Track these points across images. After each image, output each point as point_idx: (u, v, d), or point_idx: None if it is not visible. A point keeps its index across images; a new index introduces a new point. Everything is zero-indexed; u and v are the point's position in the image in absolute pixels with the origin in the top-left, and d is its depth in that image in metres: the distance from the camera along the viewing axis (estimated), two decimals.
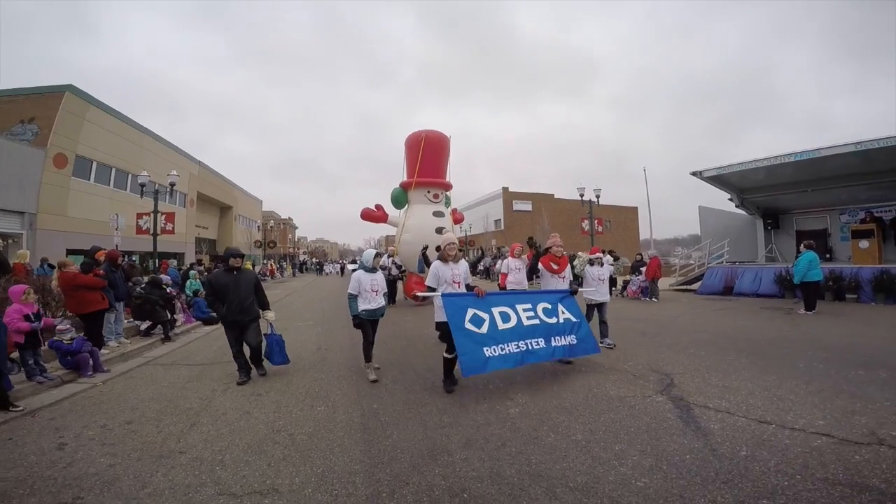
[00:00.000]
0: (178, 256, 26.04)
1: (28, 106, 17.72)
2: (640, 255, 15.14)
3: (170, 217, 15.34)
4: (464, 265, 4.79)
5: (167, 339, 7.64)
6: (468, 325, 4.31)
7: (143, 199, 15.49)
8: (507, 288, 6.89)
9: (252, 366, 5.20)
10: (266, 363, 5.32)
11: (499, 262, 7.31)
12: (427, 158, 12.57)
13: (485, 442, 3.14)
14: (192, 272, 12.22)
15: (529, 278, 6.44)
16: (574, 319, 5.08)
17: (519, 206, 40.23)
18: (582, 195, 21.02)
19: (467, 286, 4.72)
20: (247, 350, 5.20)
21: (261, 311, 5.29)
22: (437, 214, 12.65)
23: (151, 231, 14.23)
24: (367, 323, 5.10)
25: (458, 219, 15.04)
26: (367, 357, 5.15)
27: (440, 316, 4.48)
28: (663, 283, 16.66)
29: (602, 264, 6.48)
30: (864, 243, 12.89)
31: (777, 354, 5.46)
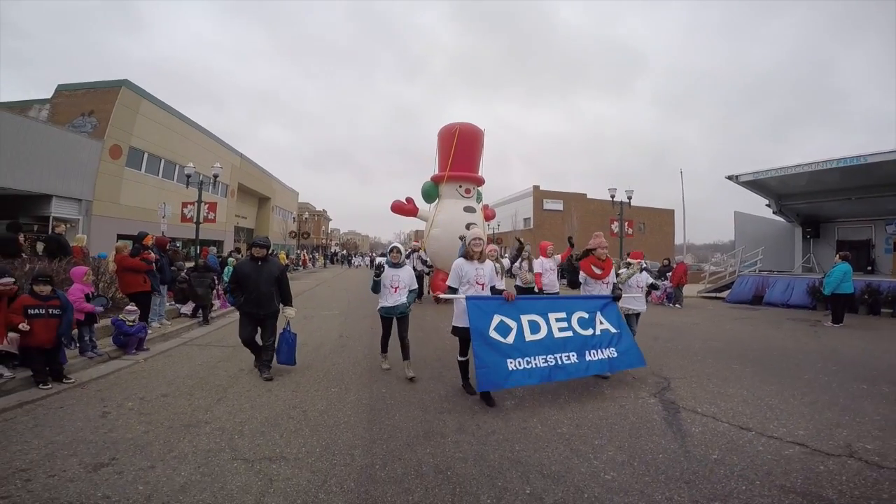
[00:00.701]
0: (218, 244, 27.33)
1: (88, 100, 19.02)
2: (668, 260, 14.98)
3: (212, 207, 16.27)
4: (489, 266, 4.35)
5: (205, 321, 8.28)
6: (493, 334, 3.97)
7: (189, 189, 16.40)
8: (542, 290, 6.72)
9: (256, 366, 5.03)
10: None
11: (518, 261, 7.00)
12: (460, 152, 12.38)
13: (476, 428, 3.44)
14: (230, 259, 12.95)
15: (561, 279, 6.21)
16: (613, 330, 4.58)
17: (550, 205, 39.97)
18: (613, 196, 20.74)
19: (493, 289, 4.32)
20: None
21: (282, 307, 5.08)
22: (468, 210, 12.39)
23: (195, 220, 15.14)
24: (385, 319, 5.01)
25: (489, 215, 14.69)
26: (383, 347, 5.20)
27: (461, 320, 4.09)
28: (692, 289, 16.39)
29: (641, 270, 5.97)
30: None
31: (785, 365, 5.49)
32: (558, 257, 7.12)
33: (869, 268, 15.19)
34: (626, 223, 20.76)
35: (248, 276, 4.84)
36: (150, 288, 6.75)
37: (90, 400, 4.10)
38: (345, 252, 55.12)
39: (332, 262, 46.19)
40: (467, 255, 4.28)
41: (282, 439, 3.21)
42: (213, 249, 23.23)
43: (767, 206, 17.27)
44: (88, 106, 18.98)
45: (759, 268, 16.45)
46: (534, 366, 4.01)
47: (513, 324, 4.12)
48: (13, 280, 4.28)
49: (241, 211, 34.49)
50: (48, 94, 19.78)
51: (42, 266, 6.06)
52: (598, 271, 5.01)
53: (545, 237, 28.29)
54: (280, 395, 4.23)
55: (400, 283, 4.92)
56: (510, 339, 4.03)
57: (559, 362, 4.14)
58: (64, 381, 4.51)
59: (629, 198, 21.09)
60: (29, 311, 4.18)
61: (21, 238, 6.52)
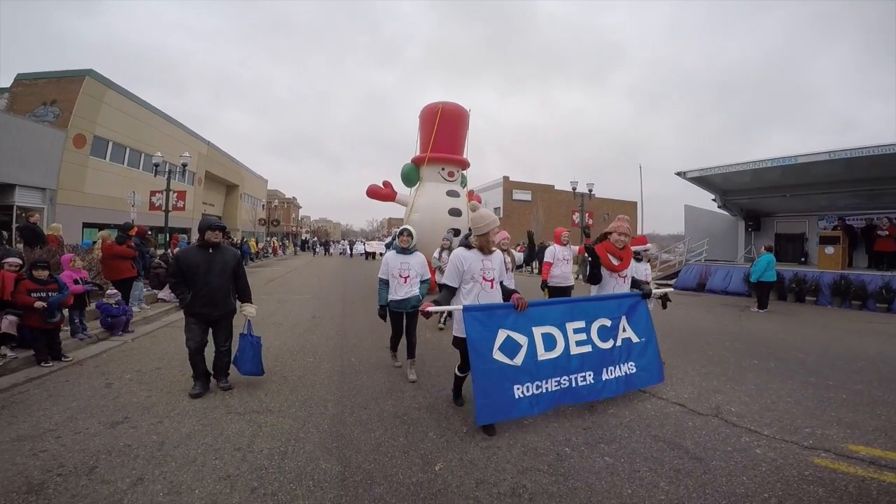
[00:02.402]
0: (186, 231, 27.10)
1: (50, 89, 18.60)
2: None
3: (181, 195, 16.39)
4: (499, 256, 3.51)
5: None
6: (497, 355, 3.19)
7: (156, 178, 16.42)
8: (550, 284, 6.19)
9: (212, 374, 4.19)
10: (232, 370, 4.28)
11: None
12: (443, 132, 11.56)
13: (430, 386, 4.20)
14: None
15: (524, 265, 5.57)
16: (636, 339, 3.93)
17: (519, 195, 40.99)
18: (574, 188, 21.77)
19: (504, 289, 3.53)
20: (209, 354, 4.17)
21: (239, 305, 4.27)
22: (452, 194, 11.50)
23: (164, 208, 15.26)
24: (395, 314, 4.52)
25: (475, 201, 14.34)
26: (394, 345, 4.80)
27: (460, 329, 3.33)
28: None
29: (640, 259, 5.38)
30: (829, 249, 13.69)
31: (698, 343, 6.36)
32: (575, 248, 6.50)
33: (802, 259, 16.59)
34: (587, 214, 21.86)
35: (197, 267, 3.94)
36: (136, 273, 7.17)
37: (91, 374, 4.61)
38: (316, 239, 54.88)
39: (302, 250, 46.06)
40: (482, 245, 3.39)
41: (266, 397, 3.87)
42: (184, 237, 23.17)
43: (713, 200, 18.62)
44: (50, 95, 18.58)
45: (705, 257, 17.78)
46: (543, 390, 3.32)
47: (523, 339, 3.32)
48: (21, 262, 4.72)
49: (208, 199, 34.01)
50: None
51: (39, 253, 6.40)
52: (614, 262, 4.13)
53: (513, 227, 29.32)
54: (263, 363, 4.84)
55: (411, 272, 4.43)
56: (518, 359, 3.27)
57: (573, 384, 3.48)
58: (62, 359, 4.97)
59: (590, 190, 22.23)
60: (31, 294, 4.62)
61: None
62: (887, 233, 12.84)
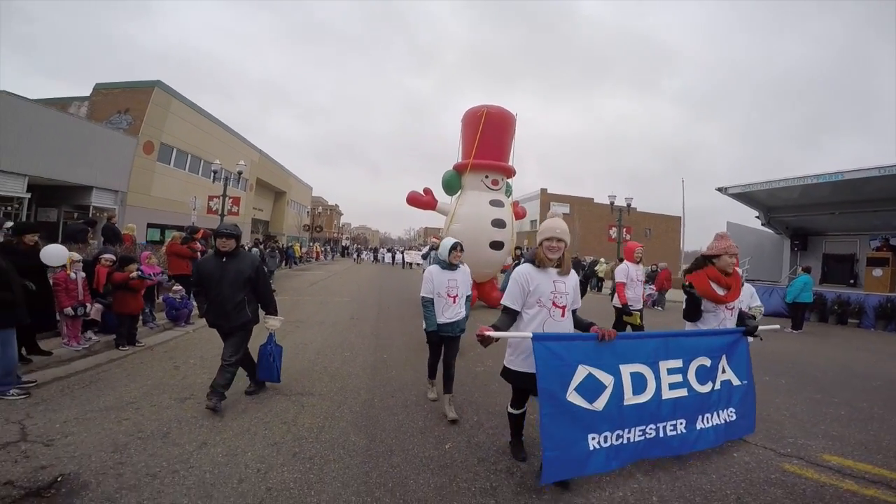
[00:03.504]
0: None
1: (123, 98, 20.54)
2: (656, 265, 15.99)
3: (236, 201, 17.66)
4: (574, 278, 2.90)
5: None
6: (573, 397, 2.61)
7: (214, 184, 17.79)
8: (627, 306, 5.50)
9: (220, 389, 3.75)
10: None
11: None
12: (487, 137, 10.80)
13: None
14: (254, 249, 14.30)
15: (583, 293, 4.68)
16: (737, 382, 3.30)
17: (557, 208, 40.87)
18: (612, 202, 21.64)
19: (577, 319, 2.91)
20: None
21: (263, 315, 4.11)
22: (495, 204, 10.73)
23: (220, 212, 16.54)
24: (437, 337, 3.94)
25: (519, 213, 12.66)
26: (433, 371, 4.20)
27: (519, 361, 2.79)
28: (680, 294, 17.36)
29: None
30: (877, 271, 13.16)
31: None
32: (641, 268, 5.84)
33: (851, 281, 15.84)
34: (625, 229, 21.67)
35: (210, 275, 3.79)
36: (190, 272, 8.05)
37: (161, 358, 5.37)
38: (357, 246, 56.70)
39: (342, 256, 47.71)
40: (541, 258, 2.79)
41: (309, 383, 4.49)
42: None
43: (757, 217, 18.11)
44: (124, 104, 20.47)
45: (747, 277, 17.30)
46: (625, 441, 2.74)
47: (608, 379, 2.71)
48: (115, 259, 5.63)
49: (258, 204, 35.99)
50: (56, 80, 21.42)
51: (126, 249, 7.40)
52: (720, 292, 3.33)
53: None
54: (306, 356, 5.51)
55: (459, 290, 3.97)
56: (600, 402, 2.67)
57: (661, 433, 2.88)
58: (136, 345, 5.79)
59: (629, 204, 22.05)
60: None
61: (90, 230, 7.83)
62: None
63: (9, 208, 13.85)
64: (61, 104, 20.21)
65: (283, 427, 3.43)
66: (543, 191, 41.40)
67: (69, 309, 5.07)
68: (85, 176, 16.78)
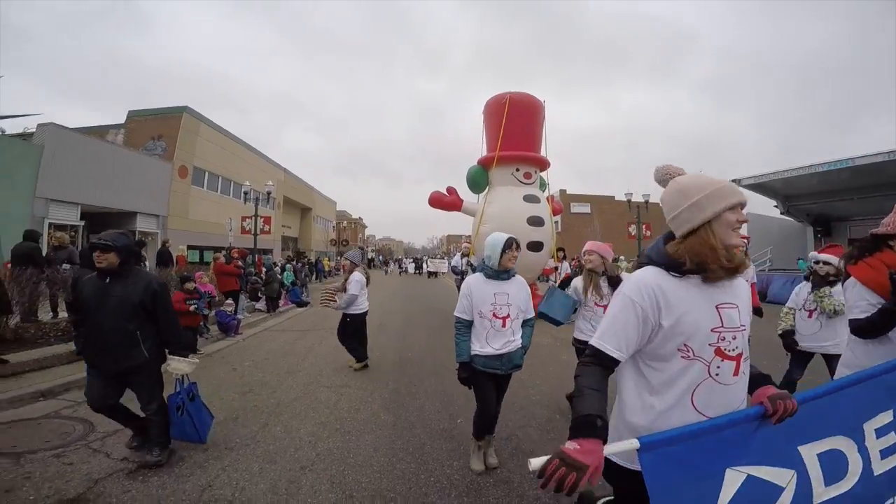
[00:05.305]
0: (268, 252, 30.31)
1: (156, 125, 21.86)
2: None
3: (267, 220, 18.82)
4: (745, 289, 1.43)
5: (274, 310, 10.67)
6: None
7: (245, 205, 18.96)
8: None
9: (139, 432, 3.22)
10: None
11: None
12: (514, 126, 9.57)
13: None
14: (287, 266, 15.36)
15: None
16: None
17: (577, 208, 40.97)
18: (629, 199, 21.80)
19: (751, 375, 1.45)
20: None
21: (168, 356, 3.13)
22: (530, 199, 9.48)
23: (252, 232, 17.69)
24: (484, 378, 2.87)
25: (557, 209, 11.41)
26: (480, 429, 3.00)
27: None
28: None
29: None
30: None
31: None
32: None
33: None
34: (644, 226, 21.76)
35: (87, 301, 2.96)
36: (238, 287, 9.04)
37: (220, 363, 6.26)
38: (382, 257, 58.01)
39: (368, 268, 49.01)
40: (733, 266, 1.32)
41: (346, 377, 5.30)
42: (268, 257, 26.12)
43: (775, 206, 18.14)
44: (157, 130, 21.75)
45: (769, 266, 17.33)
46: None
47: (784, 476, 1.38)
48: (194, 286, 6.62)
49: (286, 221, 37.49)
50: (71, 106, 22.79)
51: (183, 270, 8.43)
52: None
53: (571, 242, 28.87)
54: (341, 356, 6.21)
55: (512, 308, 2.84)
56: None
57: None
58: (197, 352, 6.70)
59: (646, 201, 22.18)
60: (186, 301, 6.41)
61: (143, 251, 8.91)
62: None
63: (69, 236, 15.21)
64: (99, 133, 21.20)
65: (326, 410, 4.21)
66: (563, 191, 41.55)
67: None
68: (130, 202, 17.99)
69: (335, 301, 5.47)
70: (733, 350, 1.33)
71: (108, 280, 2.94)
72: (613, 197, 42.20)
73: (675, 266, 1.33)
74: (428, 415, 4.08)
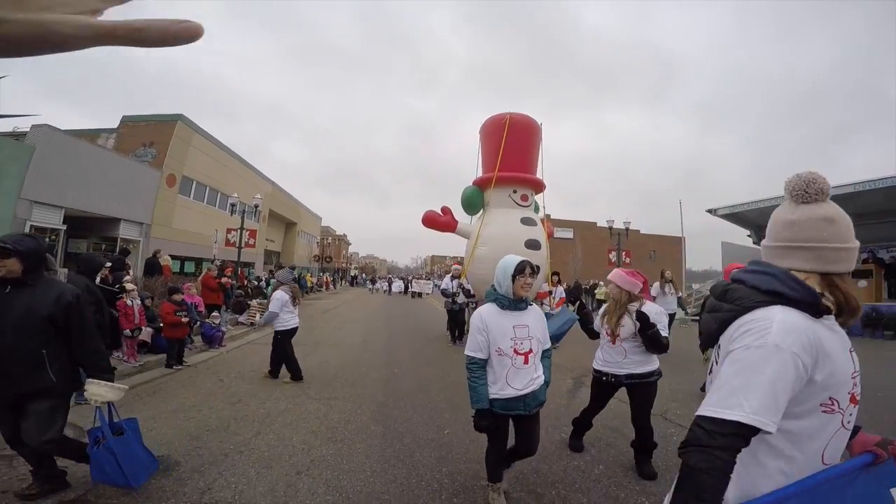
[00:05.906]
0: (250, 266, 30.01)
1: (148, 131, 21.62)
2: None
3: (252, 233, 18.77)
4: (843, 340, 1.15)
5: (252, 325, 10.64)
6: None
7: (232, 217, 18.87)
8: None
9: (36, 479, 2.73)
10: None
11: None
12: (512, 147, 9.59)
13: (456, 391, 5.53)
14: (272, 281, 15.34)
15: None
16: None
17: (560, 233, 41.61)
18: (611, 227, 22.40)
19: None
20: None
21: (86, 380, 2.62)
22: (527, 222, 9.46)
23: (237, 244, 17.62)
24: (501, 421, 2.59)
25: (550, 232, 11.46)
26: (497, 474, 2.78)
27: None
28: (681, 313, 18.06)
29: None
30: (862, 283, 13.95)
31: (677, 364, 7.00)
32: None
33: None
34: (624, 252, 22.29)
35: None
36: (221, 301, 9.07)
37: (206, 374, 6.30)
38: (367, 276, 57.96)
39: (351, 286, 48.92)
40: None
41: (333, 390, 5.40)
42: (253, 272, 25.92)
43: (749, 237, 18.91)
44: (149, 137, 21.51)
45: None
46: None
47: None
48: (182, 298, 6.64)
49: (269, 235, 37.24)
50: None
51: (172, 281, 8.43)
52: None
53: (553, 267, 29.22)
54: (328, 370, 6.39)
55: (532, 344, 2.57)
56: None
57: None
58: (182, 363, 6.72)
59: (627, 228, 22.84)
60: (177, 314, 6.45)
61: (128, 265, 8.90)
62: None
63: (49, 240, 14.82)
64: (90, 136, 20.86)
65: (317, 421, 4.33)
66: (547, 217, 42.11)
67: (127, 331, 6.06)
68: (115, 208, 17.50)
69: (256, 317, 5.67)
70: (858, 394, 1.18)
71: (7, 290, 2.50)
72: (595, 223, 43.14)
73: (816, 305, 1.09)
74: (416, 426, 4.24)
